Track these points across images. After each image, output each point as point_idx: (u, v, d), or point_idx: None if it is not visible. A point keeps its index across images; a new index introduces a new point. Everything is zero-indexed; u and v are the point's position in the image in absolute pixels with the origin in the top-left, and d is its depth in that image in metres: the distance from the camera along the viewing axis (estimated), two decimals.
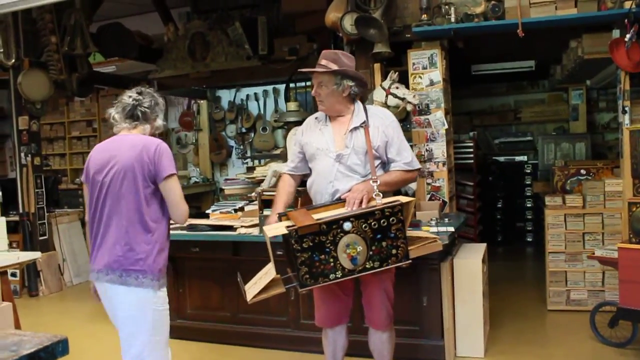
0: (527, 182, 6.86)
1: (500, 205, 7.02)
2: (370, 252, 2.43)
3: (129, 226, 2.35)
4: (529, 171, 6.87)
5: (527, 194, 6.86)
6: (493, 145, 7.44)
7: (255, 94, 8.82)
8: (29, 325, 4.82)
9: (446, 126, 4.37)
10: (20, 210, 5.77)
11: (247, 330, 4.06)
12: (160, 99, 2.58)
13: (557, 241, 4.38)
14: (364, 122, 2.71)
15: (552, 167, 5.00)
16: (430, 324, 3.57)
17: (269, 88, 8.61)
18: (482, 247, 3.98)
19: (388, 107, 4.18)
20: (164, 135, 9.39)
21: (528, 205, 6.89)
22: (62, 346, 1.13)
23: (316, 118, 2.87)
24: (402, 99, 4.12)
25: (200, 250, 4.09)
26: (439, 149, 4.40)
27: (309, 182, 2.85)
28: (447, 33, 4.17)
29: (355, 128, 2.71)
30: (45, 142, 9.91)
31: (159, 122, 2.57)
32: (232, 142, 9.08)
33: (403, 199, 2.55)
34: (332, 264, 2.41)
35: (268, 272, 2.60)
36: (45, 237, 5.92)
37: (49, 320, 5.06)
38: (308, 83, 6.84)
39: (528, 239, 6.91)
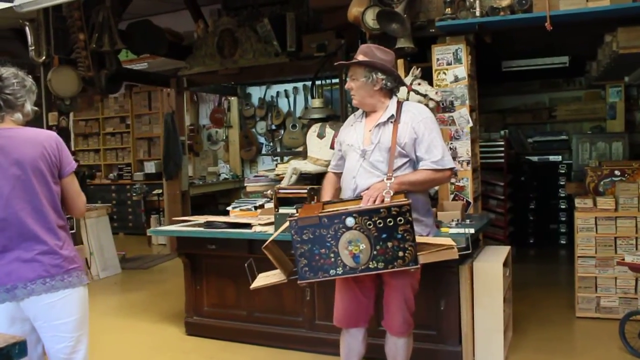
0: (562, 183, 6.60)
1: (532, 207, 6.78)
2: (374, 252, 2.34)
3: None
4: (563, 171, 6.62)
5: (562, 195, 6.61)
6: (526, 144, 7.20)
7: (285, 90, 8.81)
8: None
9: (471, 124, 4.22)
10: None
11: (262, 330, 4.02)
12: (27, 80, 2.27)
13: (587, 245, 4.18)
14: (392, 117, 2.61)
15: (585, 168, 4.78)
16: (448, 329, 3.46)
17: (299, 85, 8.59)
18: (505, 250, 3.82)
19: None
20: (195, 131, 9.49)
21: (562, 206, 6.64)
22: (18, 348, 1.08)
23: (355, 115, 2.83)
24: (424, 96, 3.99)
25: (217, 248, 4.06)
26: (463, 148, 4.25)
27: (341, 178, 2.82)
28: (472, 27, 4.01)
29: (383, 123, 2.63)
30: (81, 138, 10.16)
31: (28, 107, 2.28)
32: (262, 139, 9.10)
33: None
34: (332, 259, 2.35)
35: (278, 274, 2.57)
36: (73, 231, 6.00)
37: None
38: (334, 80, 6.76)
39: (562, 242, 6.65)
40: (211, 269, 4.22)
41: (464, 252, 2.56)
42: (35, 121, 6.47)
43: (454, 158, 4.25)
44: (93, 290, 5.78)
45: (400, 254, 2.35)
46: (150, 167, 9.28)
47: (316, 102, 5.62)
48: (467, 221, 3.76)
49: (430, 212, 2.80)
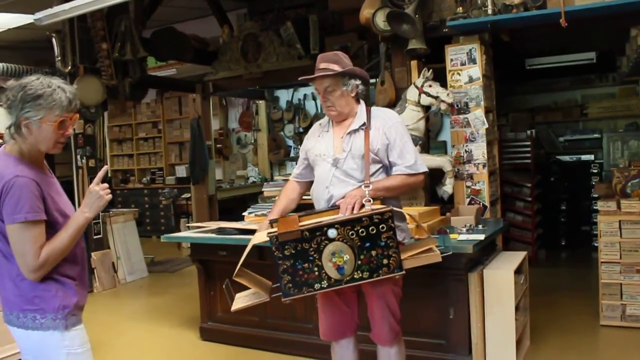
0: (594, 183, 6.34)
1: (563, 208, 6.54)
2: (359, 262, 2.28)
3: None
4: (595, 171, 6.36)
5: (594, 195, 6.34)
6: (557, 144, 6.95)
7: (312, 93, 8.77)
8: None
9: (486, 125, 4.10)
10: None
11: (274, 336, 4.00)
12: (35, 89, 1.85)
13: (611, 250, 3.99)
14: (363, 124, 2.56)
15: (611, 168, 4.57)
16: (458, 338, 3.35)
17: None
18: (519, 255, 3.68)
19: (421, 106, 3.99)
20: (225, 135, 9.57)
21: (595, 207, 6.37)
22: None
23: (320, 124, 2.76)
24: (436, 98, 3.91)
25: (228, 254, 4.06)
26: (479, 150, 4.13)
27: (311, 189, 2.74)
28: (484, 26, 3.90)
29: (354, 131, 2.57)
30: (115, 143, 10.41)
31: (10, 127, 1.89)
32: (290, 142, 9.10)
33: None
34: (316, 273, 2.30)
35: (257, 293, 2.54)
36: (99, 236, 6.15)
37: (91, 316, 5.19)
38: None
39: (595, 244, 6.37)
40: (223, 275, 4.18)
41: (446, 254, 2.47)
42: None
43: (469, 161, 4.15)
44: (119, 294, 6.00)
45: (385, 261, 2.30)
46: (181, 171, 9.43)
47: None
48: (480, 226, 3.64)
49: (404, 216, 2.73)
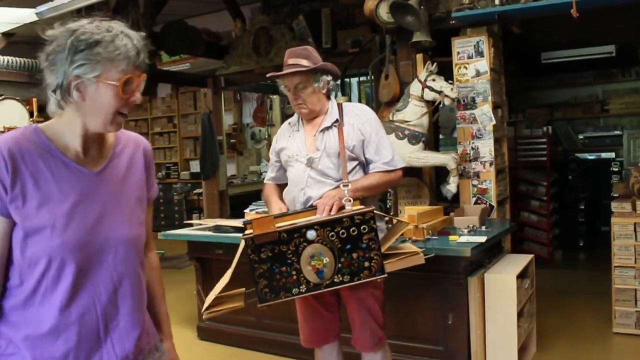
0: (615, 182, 6.09)
1: (582, 207, 6.29)
2: (339, 265, 2.15)
3: None
4: (616, 169, 6.08)
5: (614, 195, 6.08)
6: (576, 141, 6.69)
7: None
8: None
9: (494, 122, 3.91)
10: None
11: (271, 337, 3.90)
12: (91, 34, 1.27)
13: (625, 254, 3.78)
14: (336, 121, 2.43)
15: (629, 167, 4.35)
16: (457, 345, 3.20)
17: (338, 82, 8.39)
18: (525, 258, 3.51)
19: (425, 101, 3.83)
20: (239, 130, 9.51)
21: None
22: None
23: (289, 123, 2.64)
24: (439, 93, 3.73)
25: (224, 252, 3.97)
26: (486, 147, 3.95)
27: (284, 191, 2.61)
28: (491, 17, 3.71)
29: (327, 128, 2.45)
30: None
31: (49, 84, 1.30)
32: None
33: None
34: (294, 276, 2.16)
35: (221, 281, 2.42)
36: None
37: None
38: (362, 78, 6.56)
39: None
40: (220, 273, 4.05)
41: (429, 256, 2.33)
42: None
43: (476, 159, 3.98)
44: None
45: (366, 264, 2.16)
46: (195, 166, 9.38)
47: (341, 100, 5.42)
48: (483, 228, 3.48)
49: (382, 216, 2.60)
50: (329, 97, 2.55)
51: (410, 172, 4.25)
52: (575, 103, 6.82)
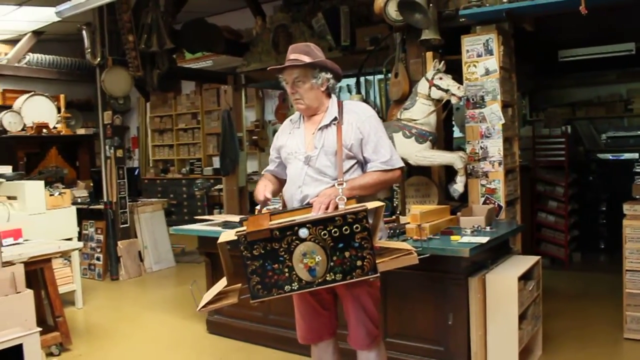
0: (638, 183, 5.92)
1: (603, 209, 6.14)
2: (331, 263, 2.16)
3: None
4: (639, 170, 5.92)
5: (637, 196, 5.92)
6: (598, 141, 6.54)
7: (348, 85, 8.62)
8: (92, 306, 5.16)
9: (503, 121, 3.86)
10: (105, 199, 6.15)
11: (277, 333, 3.94)
12: None
13: (638, 258, 3.70)
14: (335, 119, 2.44)
15: None
16: (456, 346, 3.18)
17: (361, 79, 8.37)
18: (530, 260, 3.47)
19: (432, 100, 3.81)
20: (261, 127, 9.57)
21: None
22: None
23: (290, 120, 2.64)
24: (446, 91, 3.71)
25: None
26: (495, 147, 3.90)
27: (284, 188, 2.63)
28: (499, 15, 3.66)
29: (326, 126, 2.45)
30: (157, 133, 10.61)
31: None
32: None
33: (372, 204, 2.24)
34: (287, 274, 2.18)
35: (221, 281, 2.45)
36: (126, 225, 6.26)
37: (110, 303, 5.35)
38: (379, 77, 6.51)
39: None
40: (238, 267, 4.17)
41: (424, 256, 2.32)
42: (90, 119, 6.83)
43: (484, 158, 3.94)
44: (142, 283, 6.09)
45: (359, 263, 2.17)
46: (217, 162, 9.48)
47: (354, 98, 5.44)
48: (488, 228, 3.44)
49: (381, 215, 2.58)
50: (329, 95, 2.55)
51: (420, 171, 4.23)
52: (598, 102, 6.66)
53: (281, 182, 2.71)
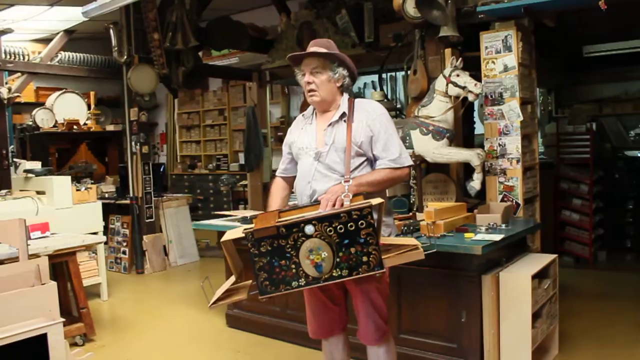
0: None
1: (631, 207, 6.02)
2: (337, 259, 2.18)
3: None
4: None
5: None
6: (626, 138, 6.40)
7: (373, 82, 8.62)
8: (117, 298, 5.30)
9: (521, 118, 3.82)
10: (130, 194, 6.30)
11: (294, 327, 3.99)
12: None
13: None
14: (344, 115, 2.46)
15: None
16: (469, 343, 3.18)
17: (385, 76, 8.36)
18: (545, 258, 3.44)
19: (450, 97, 3.80)
20: (286, 124, 9.63)
21: None
22: None
23: (303, 115, 2.68)
24: (463, 88, 3.70)
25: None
26: (513, 144, 3.87)
27: (295, 182, 2.67)
28: (517, 11, 3.62)
29: (336, 122, 2.48)
30: (184, 129, 10.76)
31: None
32: None
33: (374, 201, 2.26)
34: (294, 270, 2.22)
35: (231, 278, 2.50)
36: (151, 220, 6.40)
37: (135, 296, 5.49)
38: (403, 73, 6.50)
39: None
40: (247, 263, 4.25)
41: (430, 252, 2.33)
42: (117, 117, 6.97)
43: (502, 155, 3.91)
44: (167, 277, 6.23)
45: (365, 259, 2.19)
46: (243, 159, 9.60)
47: (375, 95, 5.45)
48: (504, 226, 3.43)
49: (391, 211, 2.62)
50: (342, 93, 2.57)
51: (438, 168, 4.23)
52: (627, 98, 6.51)
53: (289, 182, 2.76)
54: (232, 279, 2.45)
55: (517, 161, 3.87)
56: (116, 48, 6.19)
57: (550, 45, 4.33)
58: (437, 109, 3.81)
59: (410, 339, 3.40)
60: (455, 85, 3.72)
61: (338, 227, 2.18)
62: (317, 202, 2.40)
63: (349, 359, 2.74)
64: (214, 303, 2.42)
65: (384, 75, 8.53)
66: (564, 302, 4.39)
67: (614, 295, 4.67)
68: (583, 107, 6.34)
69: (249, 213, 4.27)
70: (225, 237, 2.35)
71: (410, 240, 2.38)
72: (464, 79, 3.70)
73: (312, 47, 2.52)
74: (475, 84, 3.65)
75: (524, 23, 3.86)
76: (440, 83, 3.83)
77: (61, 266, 4.12)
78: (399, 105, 6.50)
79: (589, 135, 5.45)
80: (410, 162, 2.52)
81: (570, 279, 5.17)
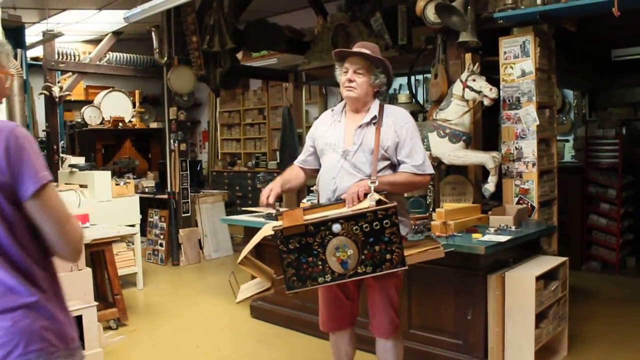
0: None
1: None
2: (362, 257, 2.31)
3: None
4: None
5: None
6: None
7: (401, 85, 8.69)
8: (151, 288, 5.60)
9: (537, 122, 3.88)
10: (168, 190, 6.62)
11: (312, 320, 4.15)
12: None
13: None
14: (374, 118, 2.57)
15: None
16: (475, 340, 3.29)
17: (420, 77, 8.42)
18: (554, 260, 3.50)
19: (466, 101, 3.90)
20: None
21: None
22: None
23: (332, 111, 2.77)
24: (479, 93, 3.79)
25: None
26: (529, 148, 3.93)
27: (317, 177, 2.79)
28: (533, 17, 3.68)
29: (367, 124, 2.58)
30: (225, 128, 11.10)
31: None
32: None
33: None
34: (320, 266, 2.34)
35: (261, 283, 2.67)
36: (188, 214, 6.70)
37: (168, 286, 5.80)
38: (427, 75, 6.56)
39: None
40: (271, 257, 4.45)
41: (448, 250, 2.45)
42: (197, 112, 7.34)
43: (519, 158, 3.98)
44: (201, 269, 6.53)
45: (388, 256, 2.31)
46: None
47: (402, 97, 5.56)
48: (514, 228, 3.51)
49: (407, 211, 2.72)
50: (375, 98, 2.67)
51: (456, 170, 4.32)
52: None
53: (307, 173, 2.84)
54: (258, 279, 2.62)
55: (533, 164, 3.93)
56: (157, 50, 6.51)
57: (578, 49, 4.35)
58: (454, 113, 3.92)
59: (420, 334, 3.53)
60: (471, 89, 3.82)
61: (364, 226, 2.29)
62: (340, 201, 2.51)
63: (354, 352, 2.88)
64: (242, 300, 2.62)
65: (418, 77, 8.62)
66: (584, 305, 4.43)
67: (634, 302, 4.65)
68: (612, 110, 6.25)
69: (273, 210, 4.45)
70: (241, 256, 2.52)
71: (430, 240, 2.50)
72: (480, 83, 3.79)
73: (359, 49, 2.61)
74: (491, 89, 3.74)
75: (542, 28, 3.91)
76: (457, 87, 3.93)
77: (98, 255, 4.43)
78: (427, 108, 6.55)
79: (618, 140, 5.40)
80: (432, 171, 2.62)
81: (595, 283, 5.16)
